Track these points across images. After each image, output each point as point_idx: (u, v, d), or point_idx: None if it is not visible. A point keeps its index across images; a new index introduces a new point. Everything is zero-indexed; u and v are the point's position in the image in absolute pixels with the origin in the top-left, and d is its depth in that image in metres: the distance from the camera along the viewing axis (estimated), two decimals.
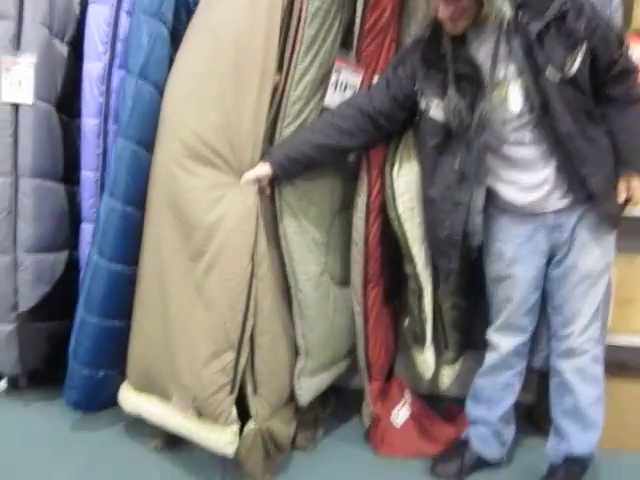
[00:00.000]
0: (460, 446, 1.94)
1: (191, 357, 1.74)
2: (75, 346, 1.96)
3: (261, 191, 1.77)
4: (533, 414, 2.22)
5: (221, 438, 1.72)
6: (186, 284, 1.75)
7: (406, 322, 2.00)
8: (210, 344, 1.72)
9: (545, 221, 1.71)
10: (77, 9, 2.07)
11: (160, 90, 1.84)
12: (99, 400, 2.07)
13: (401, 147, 1.85)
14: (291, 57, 1.76)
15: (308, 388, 1.96)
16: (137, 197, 1.86)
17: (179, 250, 1.75)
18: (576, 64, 1.56)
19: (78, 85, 2.05)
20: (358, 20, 1.81)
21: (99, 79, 1.97)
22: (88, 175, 2.04)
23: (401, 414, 2.07)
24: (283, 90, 1.78)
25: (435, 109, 1.70)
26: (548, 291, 1.79)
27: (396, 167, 1.82)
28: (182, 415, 1.78)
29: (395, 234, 1.85)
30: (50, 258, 2.12)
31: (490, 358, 1.88)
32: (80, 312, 1.94)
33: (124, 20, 1.95)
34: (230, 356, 1.72)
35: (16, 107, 2.00)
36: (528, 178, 1.67)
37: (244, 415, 1.81)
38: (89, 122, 2.00)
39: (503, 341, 1.84)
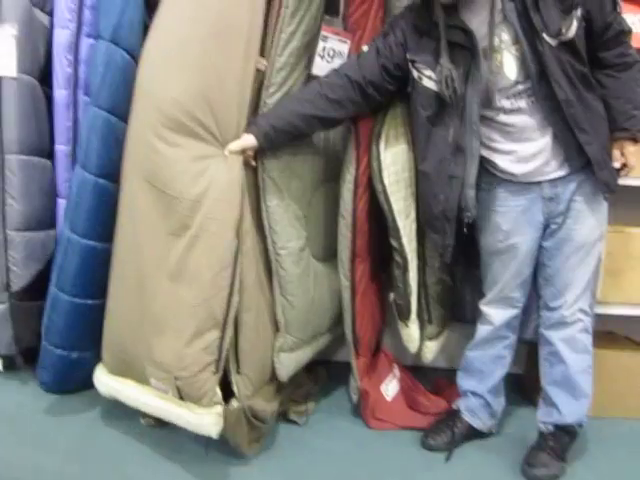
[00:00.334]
0: (450, 417, 1.97)
1: (172, 336, 1.66)
2: (47, 325, 1.91)
3: (246, 162, 1.73)
4: (523, 385, 2.26)
5: (204, 420, 1.66)
6: (165, 260, 1.67)
7: (391, 296, 2.00)
8: (193, 322, 1.64)
9: (541, 192, 1.70)
10: None
11: (133, 55, 1.76)
12: (72, 382, 2.04)
13: (388, 119, 1.83)
14: (276, 22, 1.71)
15: (288, 364, 1.95)
16: (110, 169, 1.79)
17: (157, 224, 1.67)
18: (572, 28, 1.54)
19: None
20: None
21: (66, 48, 1.91)
22: (61, 149, 1.99)
23: (390, 387, 2.10)
24: (267, 57, 1.73)
25: (428, 79, 1.67)
26: (540, 262, 1.80)
27: (383, 139, 1.80)
28: (161, 397, 1.72)
29: (381, 207, 1.84)
30: (40, 236, 2.07)
31: (482, 330, 1.90)
32: (52, 290, 1.88)
33: None
34: (214, 334, 1.66)
35: None
36: (525, 148, 1.66)
37: (226, 392, 1.77)
38: (59, 93, 1.95)
39: (496, 313, 1.86)
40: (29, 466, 1.74)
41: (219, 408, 1.68)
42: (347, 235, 1.90)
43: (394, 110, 1.83)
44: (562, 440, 1.84)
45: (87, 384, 1.95)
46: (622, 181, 1.76)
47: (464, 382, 1.97)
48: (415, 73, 1.70)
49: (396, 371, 2.14)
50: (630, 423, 2.12)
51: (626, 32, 1.64)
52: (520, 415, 2.11)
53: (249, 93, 1.70)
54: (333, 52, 1.82)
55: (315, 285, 1.98)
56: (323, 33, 1.79)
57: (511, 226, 1.75)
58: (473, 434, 1.96)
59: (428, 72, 1.67)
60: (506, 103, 1.64)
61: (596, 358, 1.84)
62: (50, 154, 2.06)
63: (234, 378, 1.79)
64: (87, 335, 1.94)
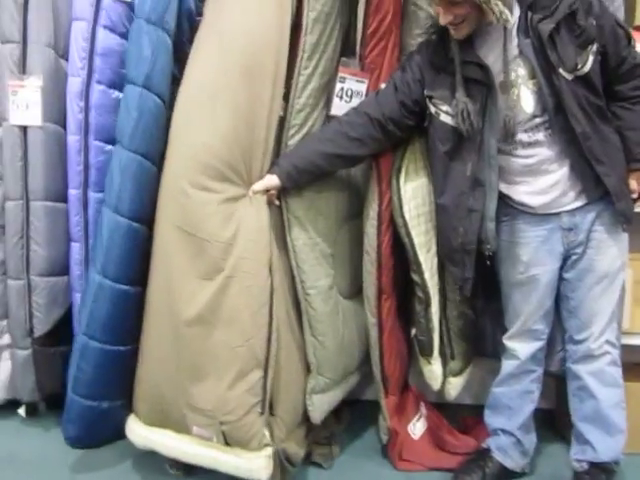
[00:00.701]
0: (481, 456, 1.91)
1: (212, 381, 1.65)
2: (76, 376, 1.84)
3: (269, 202, 1.76)
4: (553, 420, 2.20)
5: (254, 464, 1.63)
6: (196, 305, 1.67)
7: (413, 332, 1.98)
8: (234, 364, 1.64)
9: (560, 222, 1.70)
10: None
11: (164, 100, 1.81)
12: (101, 434, 1.98)
13: (408, 154, 1.85)
14: (293, 66, 1.75)
15: (320, 405, 1.93)
16: (143, 213, 1.81)
17: (188, 270, 1.68)
18: (588, 63, 1.57)
19: None
20: (360, 25, 1.81)
21: (78, 95, 1.96)
22: (73, 193, 2.02)
23: (418, 427, 2.06)
24: (287, 99, 1.77)
25: (445, 114, 1.69)
26: (563, 294, 1.78)
27: (403, 173, 1.82)
28: (205, 444, 1.69)
29: (402, 241, 1.84)
30: (63, 281, 2.09)
31: (508, 366, 1.86)
32: (81, 338, 1.83)
33: (101, 35, 1.93)
34: (257, 374, 1.65)
35: (25, 130, 1.99)
36: (542, 180, 1.67)
37: None
38: (71, 139, 1.99)
39: (521, 347, 1.82)
40: None
41: (269, 450, 1.66)
42: (372, 271, 1.89)
43: (413, 145, 1.86)
44: (599, 478, 1.78)
45: (115, 436, 1.92)
46: None
47: (492, 420, 1.93)
48: (432, 109, 1.72)
49: (423, 409, 2.10)
50: None
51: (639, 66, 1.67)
52: (553, 453, 2.05)
53: (274, 132, 1.74)
54: (351, 92, 1.86)
55: (344, 323, 1.97)
56: (340, 74, 1.83)
57: (531, 257, 1.74)
58: (505, 474, 1.90)
59: (445, 107, 1.69)
60: (524, 136, 1.65)
61: (628, 391, 1.80)
62: None
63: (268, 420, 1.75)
64: (118, 383, 1.90)
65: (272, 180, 1.74)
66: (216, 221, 1.66)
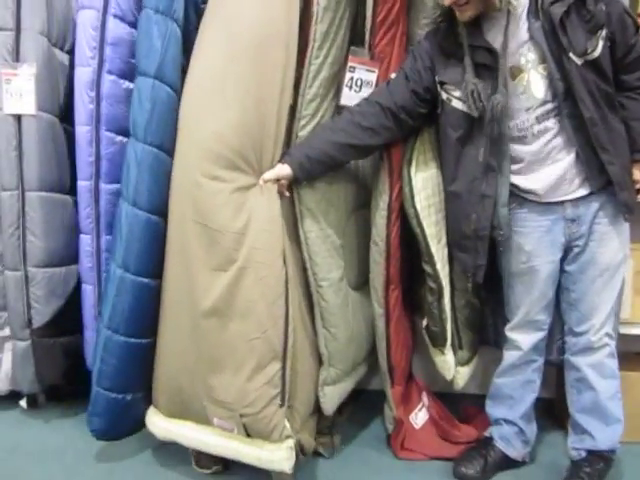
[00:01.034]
0: (483, 445, 1.93)
1: (231, 373, 1.64)
2: (100, 369, 1.84)
3: (280, 192, 1.74)
4: (553, 410, 2.21)
5: (276, 455, 1.63)
6: (211, 296, 1.66)
7: (424, 322, 1.98)
8: (252, 356, 1.63)
9: (564, 213, 1.70)
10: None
11: (176, 90, 1.79)
12: (125, 426, 1.96)
13: (417, 143, 1.84)
14: (304, 55, 1.73)
15: (332, 396, 1.93)
16: (161, 205, 1.79)
17: (203, 261, 1.67)
18: (598, 48, 1.57)
19: None
20: (369, 14, 1.78)
21: (88, 85, 1.92)
22: (83, 184, 1.99)
23: (420, 416, 2.06)
24: (297, 89, 1.75)
25: (457, 99, 1.68)
26: (564, 286, 1.79)
27: (413, 163, 1.81)
28: (226, 436, 1.68)
29: (413, 232, 1.83)
30: (61, 272, 2.07)
31: (510, 356, 1.87)
32: (104, 332, 1.82)
33: (111, 24, 1.90)
34: (276, 366, 1.64)
35: (19, 119, 1.96)
36: (549, 167, 1.67)
37: None
38: (81, 130, 1.96)
39: (523, 338, 1.83)
40: None
41: (290, 442, 1.66)
42: (380, 262, 1.89)
43: (422, 137, 1.84)
44: (597, 466, 1.80)
45: (137, 427, 1.93)
46: None
47: (494, 410, 1.94)
48: (444, 95, 1.71)
49: (425, 399, 2.11)
50: None
51: None
52: (552, 442, 2.07)
53: (285, 121, 1.72)
54: (361, 82, 1.84)
55: (353, 314, 1.97)
56: (350, 64, 1.81)
57: (533, 247, 1.74)
58: (506, 463, 1.92)
59: (457, 93, 1.68)
60: (534, 122, 1.64)
61: (628, 381, 1.82)
62: (71, 190, 2.07)
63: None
64: (140, 375, 1.89)
65: (284, 169, 1.72)
66: (227, 211, 1.64)
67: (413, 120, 1.78)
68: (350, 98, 1.83)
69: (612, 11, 1.59)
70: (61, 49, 2.03)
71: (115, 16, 1.89)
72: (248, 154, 1.66)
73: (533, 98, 1.62)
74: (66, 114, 2.05)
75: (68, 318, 2.08)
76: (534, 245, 1.74)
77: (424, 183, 1.82)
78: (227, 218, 1.64)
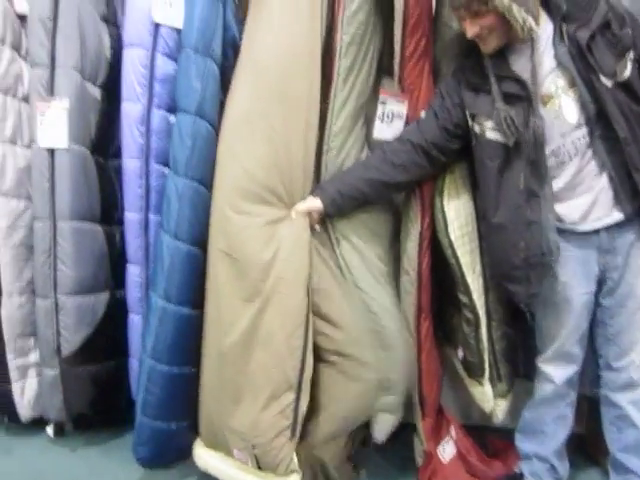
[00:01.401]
0: None
1: (248, 402, 1.66)
2: (145, 398, 1.87)
3: (311, 226, 1.76)
4: (584, 445, 2.13)
5: None
6: (239, 328, 1.68)
7: (460, 353, 1.95)
8: (268, 385, 1.64)
9: (599, 242, 1.68)
10: (108, 53, 2.11)
11: (214, 126, 1.84)
12: (171, 454, 1.99)
13: (448, 173, 1.84)
14: (328, 89, 1.77)
15: (386, 425, 1.91)
16: (201, 237, 1.84)
17: (233, 292, 1.71)
18: (627, 70, 1.57)
19: (113, 127, 2.08)
20: (398, 46, 1.81)
21: (138, 120, 1.98)
22: (131, 216, 2.04)
23: (447, 450, 2.02)
24: (324, 123, 1.78)
25: (491, 130, 1.68)
26: (600, 320, 1.75)
27: (445, 193, 1.81)
28: (243, 469, 1.69)
29: (446, 262, 1.82)
30: (90, 300, 2.10)
31: (543, 390, 1.83)
32: (148, 362, 1.85)
33: (160, 61, 1.96)
34: (290, 397, 1.64)
35: (52, 152, 2.02)
36: (584, 191, 1.65)
37: None
38: (130, 163, 2.01)
39: (556, 371, 1.79)
40: None
41: (296, 477, 1.64)
42: (412, 292, 1.88)
43: (452, 167, 1.85)
44: None
45: (180, 456, 1.94)
46: None
47: (525, 445, 1.89)
48: (477, 128, 1.70)
49: (453, 432, 2.06)
50: None
51: None
52: (586, 479, 2.00)
53: (313, 153, 1.76)
54: (392, 114, 1.87)
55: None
56: (381, 97, 1.84)
57: (568, 278, 1.71)
58: None
59: (489, 123, 1.67)
60: (570, 147, 1.63)
61: None
62: (102, 220, 2.12)
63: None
64: (184, 404, 1.91)
65: (315, 202, 1.75)
66: (256, 244, 1.68)
67: (445, 156, 1.79)
68: (382, 130, 1.86)
69: (637, 35, 1.59)
70: (93, 83, 2.09)
71: (164, 54, 1.96)
72: (277, 188, 1.71)
73: (566, 123, 1.61)
74: (98, 146, 2.11)
75: (96, 347, 2.10)
76: (569, 275, 1.71)
77: (457, 213, 1.82)
78: (255, 251, 1.68)
